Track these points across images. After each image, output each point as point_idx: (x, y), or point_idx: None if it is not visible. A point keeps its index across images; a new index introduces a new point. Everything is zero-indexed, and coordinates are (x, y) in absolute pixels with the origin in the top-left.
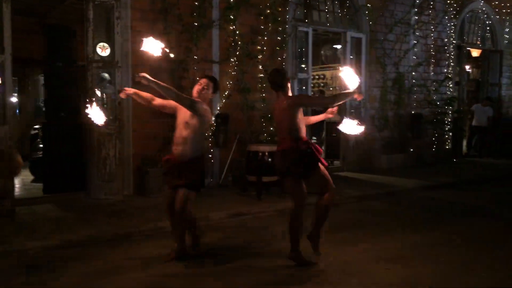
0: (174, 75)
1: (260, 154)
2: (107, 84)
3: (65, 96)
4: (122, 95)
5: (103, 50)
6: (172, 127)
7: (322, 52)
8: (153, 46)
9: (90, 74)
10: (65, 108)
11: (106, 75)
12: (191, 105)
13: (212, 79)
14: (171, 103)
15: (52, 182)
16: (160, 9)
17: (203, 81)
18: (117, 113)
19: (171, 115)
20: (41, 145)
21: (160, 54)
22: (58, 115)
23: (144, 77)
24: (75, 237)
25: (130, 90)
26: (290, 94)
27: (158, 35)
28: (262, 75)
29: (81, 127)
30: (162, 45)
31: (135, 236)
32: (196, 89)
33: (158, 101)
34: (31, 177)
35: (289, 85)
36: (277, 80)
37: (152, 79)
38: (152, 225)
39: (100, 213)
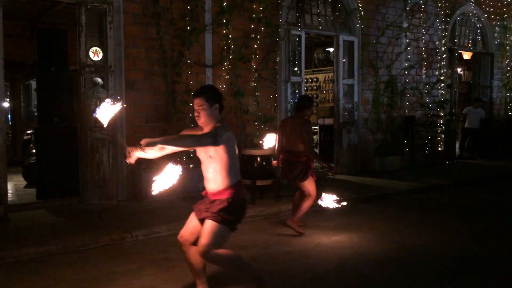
0: (167, 79)
1: (254, 158)
2: (100, 89)
3: (57, 101)
4: (131, 161)
5: (95, 54)
6: (165, 131)
7: (315, 55)
8: None
9: (83, 78)
10: (58, 113)
11: (99, 79)
12: (214, 142)
13: (206, 92)
14: None
15: (46, 188)
16: (152, 14)
17: (199, 101)
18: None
19: (165, 120)
20: (34, 151)
21: None
22: (51, 120)
23: (146, 144)
24: (69, 243)
25: (137, 153)
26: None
27: (151, 39)
28: (255, 78)
29: (74, 132)
30: None
31: (129, 242)
32: (199, 119)
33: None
34: (24, 183)
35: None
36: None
37: (155, 140)
38: (147, 230)
39: (94, 218)
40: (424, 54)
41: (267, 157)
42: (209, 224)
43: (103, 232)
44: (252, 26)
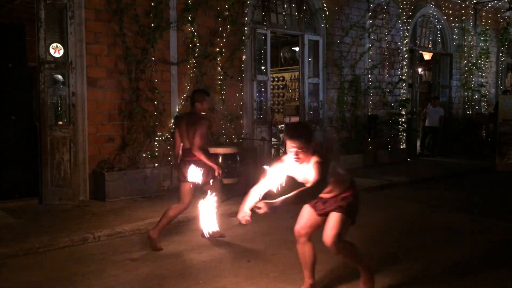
0: (131, 76)
1: (220, 156)
2: (61, 86)
3: (15, 98)
4: (245, 222)
5: (56, 51)
6: (129, 129)
7: (281, 54)
8: None
9: (42, 75)
10: (16, 111)
11: (60, 76)
12: (326, 184)
13: (304, 133)
14: (279, 175)
15: (3, 188)
16: (115, 9)
17: (298, 144)
18: (71, 116)
19: (129, 118)
20: None
21: None
22: (8, 118)
23: (267, 209)
24: (27, 244)
25: (248, 215)
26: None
27: (114, 35)
28: (221, 76)
29: (33, 131)
30: None
31: (91, 243)
32: (299, 160)
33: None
34: None
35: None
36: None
37: (275, 204)
38: (109, 231)
39: (54, 219)
40: (387, 54)
41: (232, 155)
42: (336, 216)
43: (63, 233)
44: (218, 24)
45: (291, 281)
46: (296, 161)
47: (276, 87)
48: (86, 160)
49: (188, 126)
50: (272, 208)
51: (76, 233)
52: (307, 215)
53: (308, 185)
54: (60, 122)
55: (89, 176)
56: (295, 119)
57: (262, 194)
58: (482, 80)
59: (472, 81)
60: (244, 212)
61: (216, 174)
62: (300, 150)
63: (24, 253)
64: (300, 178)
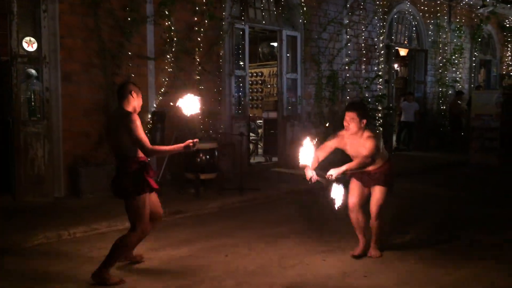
0: (107, 71)
1: (198, 151)
2: (34, 81)
3: None
4: (313, 180)
5: (29, 44)
6: (104, 124)
7: (259, 49)
8: None
9: (15, 69)
10: None
11: (33, 71)
12: (379, 153)
13: (360, 108)
14: (333, 146)
15: None
16: (90, 3)
17: (351, 115)
18: (45, 111)
19: (104, 113)
20: None
21: None
22: None
23: (336, 175)
24: (0, 243)
25: (313, 174)
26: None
27: (89, 29)
28: (198, 71)
29: (6, 126)
30: None
31: (66, 239)
32: (349, 129)
33: (323, 155)
34: None
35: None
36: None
37: (343, 169)
38: (85, 227)
39: (28, 216)
40: (364, 50)
41: (211, 151)
42: (380, 189)
43: (37, 231)
44: (196, 18)
45: (269, 274)
46: (346, 128)
47: (255, 82)
48: (60, 156)
49: (116, 128)
50: (341, 173)
51: (50, 230)
52: (356, 188)
53: (365, 153)
54: (34, 118)
55: (64, 172)
56: (273, 114)
57: (319, 161)
58: (456, 76)
59: (447, 76)
60: (310, 173)
61: (192, 143)
62: (351, 120)
63: None
64: (350, 151)
